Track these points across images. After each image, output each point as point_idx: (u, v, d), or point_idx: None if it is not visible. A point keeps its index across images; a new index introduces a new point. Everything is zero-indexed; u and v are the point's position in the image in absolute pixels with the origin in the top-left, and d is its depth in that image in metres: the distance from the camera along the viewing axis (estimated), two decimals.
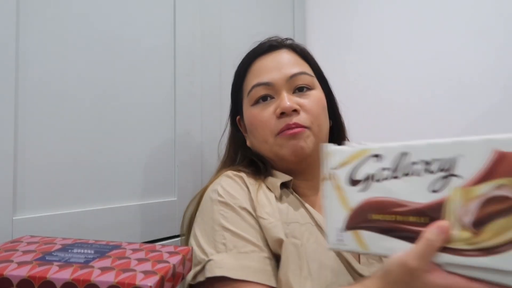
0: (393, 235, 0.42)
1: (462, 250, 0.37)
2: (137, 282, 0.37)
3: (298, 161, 0.66)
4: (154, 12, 0.84)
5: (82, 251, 0.46)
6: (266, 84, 0.67)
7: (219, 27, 1.01)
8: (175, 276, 0.44)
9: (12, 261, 0.41)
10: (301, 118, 0.65)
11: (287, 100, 0.64)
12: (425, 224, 0.39)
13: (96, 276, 0.38)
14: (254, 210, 0.61)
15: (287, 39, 0.74)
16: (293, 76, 0.66)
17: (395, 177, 0.43)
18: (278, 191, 0.65)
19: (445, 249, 0.38)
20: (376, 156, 0.44)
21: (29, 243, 0.49)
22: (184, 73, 0.90)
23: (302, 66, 0.69)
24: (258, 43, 0.73)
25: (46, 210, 0.65)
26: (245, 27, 1.11)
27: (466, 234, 0.37)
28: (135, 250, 0.48)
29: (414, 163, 0.41)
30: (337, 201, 0.47)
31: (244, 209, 0.61)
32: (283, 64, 0.68)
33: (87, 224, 0.70)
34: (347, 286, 0.50)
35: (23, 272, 0.38)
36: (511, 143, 0.36)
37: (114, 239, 0.59)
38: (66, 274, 0.38)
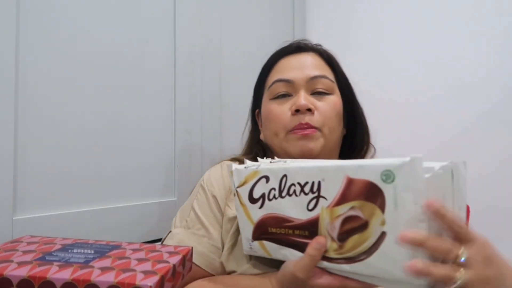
0: (286, 245, 0.50)
1: (333, 258, 0.45)
2: (137, 282, 0.37)
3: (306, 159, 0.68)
4: (154, 13, 0.84)
5: (82, 251, 0.46)
6: (287, 81, 0.69)
7: (219, 27, 1.01)
8: (175, 276, 0.44)
9: (12, 261, 0.41)
10: (314, 118, 0.66)
11: (303, 98, 0.66)
12: (306, 237, 0.47)
13: (96, 276, 0.38)
14: (226, 198, 0.67)
15: (316, 44, 0.76)
16: (314, 78, 0.68)
17: (281, 197, 0.49)
18: None
19: (322, 257, 0.45)
20: (265, 177, 0.51)
21: (29, 243, 0.49)
22: (184, 73, 0.90)
23: (324, 70, 0.71)
24: (286, 43, 0.76)
25: (46, 210, 0.65)
26: (245, 27, 1.11)
27: (334, 246, 0.44)
28: (135, 250, 0.48)
29: (292, 184, 0.48)
30: (244, 216, 0.54)
31: (214, 197, 0.67)
32: (306, 66, 0.70)
33: (87, 224, 0.70)
34: (255, 274, 0.58)
35: (23, 272, 0.38)
36: (356, 170, 0.42)
37: (114, 239, 0.59)
38: (66, 274, 0.38)
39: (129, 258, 0.45)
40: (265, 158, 0.61)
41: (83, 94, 0.71)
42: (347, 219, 0.43)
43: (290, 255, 0.49)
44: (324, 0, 1.41)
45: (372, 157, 0.77)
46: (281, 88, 0.69)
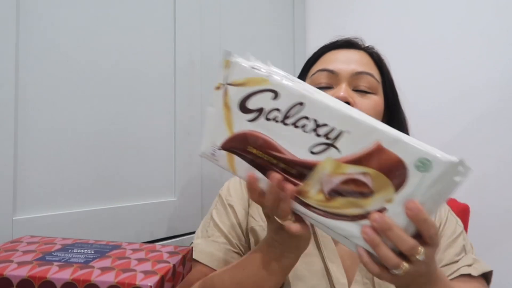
0: (261, 170, 0.45)
1: (311, 207, 0.43)
2: (137, 282, 0.37)
3: None
4: (154, 12, 0.84)
5: (82, 251, 0.46)
6: (330, 72, 0.65)
7: (219, 27, 1.01)
8: (175, 276, 0.44)
9: (12, 261, 0.41)
10: None
11: (343, 90, 0.62)
12: (290, 174, 0.43)
13: (96, 276, 0.38)
14: (247, 208, 0.67)
15: (369, 46, 0.73)
16: (359, 73, 0.64)
17: (284, 123, 0.43)
18: None
19: (301, 202, 0.44)
20: (274, 92, 0.43)
21: (29, 243, 0.49)
22: (184, 73, 0.90)
23: (371, 69, 0.67)
24: (339, 37, 0.73)
25: (46, 210, 0.65)
26: (245, 27, 1.11)
27: (319, 197, 0.42)
28: (135, 250, 0.48)
29: (306, 117, 0.42)
30: (222, 118, 0.46)
31: (231, 206, 0.67)
32: (353, 60, 0.66)
33: (87, 224, 0.70)
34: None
35: (23, 272, 0.38)
36: (393, 143, 0.39)
37: (114, 239, 0.59)
38: (66, 274, 0.38)
39: (129, 258, 0.45)
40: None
41: (83, 95, 0.71)
42: (351, 181, 0.41)
43: (260, 178, 0.45)
44: (324, 0, 1.41)
45: None
46: (323, 79, 0.66)
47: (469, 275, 0.60)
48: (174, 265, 0.43)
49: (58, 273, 0.38)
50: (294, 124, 0.42)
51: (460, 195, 0.99)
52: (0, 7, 0.59)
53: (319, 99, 0.42)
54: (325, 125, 0.41)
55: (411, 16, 1.23)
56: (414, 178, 0.38)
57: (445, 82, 1.16)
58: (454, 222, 0.68)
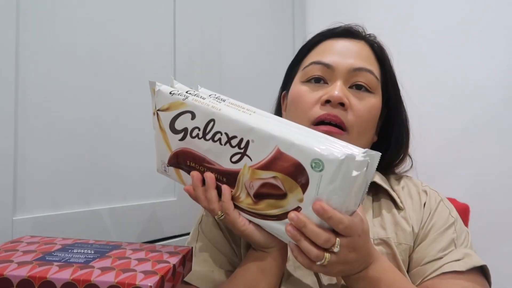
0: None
1: (245, 210, 0.48)
2: (137, 282, 0.37)
3: None
4: (154, 11, 0.84)
5: (82, 251, 0.46)
6: (326, 65, 0.59)
7: (219, 27, 1.01)
8: (175, 276, 0.44)
9: (12, 261, 0.41)
10: (345, 115, 0.57)
11: (338, 89, 0.57)
12: (223, 182, 0.48)
13: (96, 276, 0.38)
14: None
15: (370, 34, 0.67)
16: (357, 69, 0.59)
17: (205, 139, 0.48)
18: None
19: (237, 207, 0.48)
20: (191, 113, 0.48)
21: (29, 243, 0.49)
22: (184, 73, 0.90)
23: (371, 64, 0.61)
24: (338, 24, 0.66)
25: (46, 210, 0.65)
26: (245, 27, 1.11)
27: (248, 200, 0.47)
28: (135, 250, 0.48)
29: (219, 132, 0.47)
30: (162, 140, 0.52)
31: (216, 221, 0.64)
32: (351, 53, 0.60)
33: (87, 224, 0.70)
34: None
35: (23, 272, 0.38)
36: (289, 147, 0.42)
37: (114, 239, 0.59)
38: (66, 274, 0.38)
39: (129, 258, 0.45)
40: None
41: (84, 95, 0.71)
42: (266, 184, 0.44)
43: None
44: (324, 0, 1.41)
45: (406, 172, 0.69)
46: (316, 71, 0.60)
47: (454, 272, 0.53)
48: (174, 265, 0.43)
49: (58, 273, 0.38)
50: (212, 139, 0.47)
51: (460, 195, 0.99)
52: (0, 7, 0.59)
53: (226, 114, 0.46)
54: (234, 137, 0.46)
55: (412, 17, 1.23)
56: (313, 178, 0.41)
57: (445, 81, 1.16)
58: (447, 212, 0.61)
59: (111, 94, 0.75)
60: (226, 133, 0.46)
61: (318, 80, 0.60)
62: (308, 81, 0.62)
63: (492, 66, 1.09)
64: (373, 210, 0.62)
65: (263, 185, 0.45)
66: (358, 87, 0.59)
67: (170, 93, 0.50)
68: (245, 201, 0.47)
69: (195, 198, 0.51)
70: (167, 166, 0.53)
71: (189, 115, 0.48)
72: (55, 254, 0.44)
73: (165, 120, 0.50)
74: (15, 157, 0.61)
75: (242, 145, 0.45)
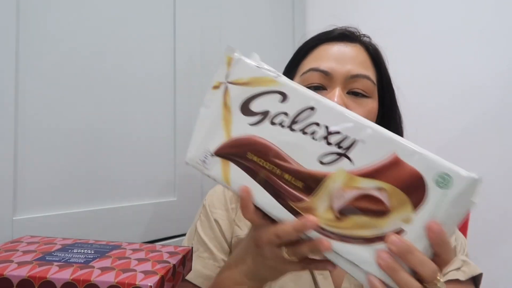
0: (259, 182, 0.39)
1: (319, 228, 0.37)
2: (137, 282, 0.37)
3: None
4: (154, 12, 0.84)
5: (82, 251, 0.46)
6: (324, 73, 0.60)
7: (219, 26, 1.01)
8: (175, 276, 0.44)
9: (12, 261, 0.41)
10: None
11: (338, 98, 0.57)
12: (297, 188, 0.38)
13: (96, 276, 0.38)
14: (233, 217, 0.64)
15: (364, 35, 0.67)
16: (355, 76, 0.59)
17: (291, 128, 0.39)
18: None
19: None
20: (282, 94, 0.39)
21: (29, 243, 0.49)
22: (184, 72, 0.90)
23: (368, 69, 0.62)
24: (333, 27, 0.67)
25: (46, 210, 0.65)
26: (245, 27, 1.11)
27: (329, 215, 0.37)
28: (135, 250, 0.48)
29: (316, 124, 0.38)
30: (219, 120, 0.41)
31: (216, 221, 0.64)
32: (349, 59, 0.61)
33: (87, 224, 0.70)
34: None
35: (23, 272, 0.38)
36: (411, 155, 0.36)
37: (114, 239, 0.59)
38: (66, 274, 0.38)
39: (129, 258, 0.45)
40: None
41: (83, 95, 0.71)
42: (365, 197, 0.36)
43: (260, 196, 0.39)
44: (324, 0, 1.41)
45: None
46: (315, 79, 0.60)
47: (457, 280, 0.56)
48: (174, 265, 0.43)
49: (58, 273, 0.38)
50: (303, 130, 0.38)
51: None
52: (0, 7, 0.59)
53: (332, 105, 0.38)
54: (337, 132, 0.37)
55: (413, 17, 1.23)
56: (434, 195, 0.35)
57: (445, 81, 1.16)
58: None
59: (111, 94, 0.75)
60: (326, 126, 0.38)
61: (317, 88, 0.61)
62: (306, 88, 0.62)
63: (492, 66, 1.09)
64: None
65: (360, 197, 0.36)
66: (355, 93, 0.60)
67: (257, 66, 0.40)
68: (324, 215, 0.37)
69: (251, 217, 0.40)
70: (212, 155, 0.41)
71: (277, 97, 0.39)
72: (55, 254, 0.44)
73: (238, 96, 0.40)
74: (15, 157, 0.61)
75: (346, 144, 0.37)
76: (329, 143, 0.37)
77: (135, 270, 0.40)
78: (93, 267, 0.40)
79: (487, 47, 1.10)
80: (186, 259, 0.49)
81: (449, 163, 0.35)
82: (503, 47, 1.08)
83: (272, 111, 0.39)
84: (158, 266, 0.42)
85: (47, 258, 0.43)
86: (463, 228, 0.97)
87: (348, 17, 1.36)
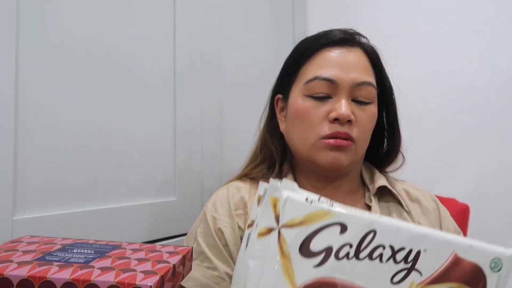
0: None
1: None
2: (137, 282, 0.37)
3: (331, 170, 0.64)
4: (154, 11, 0.84)
5: (82, 251, 0.46)
6: (330, 81, 0.61)
7: (219, 27, 1.01)
8: (175, 276, 0.44)
9: (12, 261, 0.41)
10: (352, 130, 0.61)
11: (346, 107, 0.60)
12: None
13: (96, 276, 0.38)
14: (238, 227, 0.62)
15: (360, 34, 0.68)
16: (360, 84, 0.61)
17: (358, 258, 0.37)
18: None
19: None
20: (341, 225, 0.37)
21: (29, 243, 0.49)
22: (184, 73, 0.90)
23: (370, 75, 0.64)
24: (327, 30, 0.67)
25: (46, 210, 0.65)
26: (245, 27, 1.11)
27: None
28: (135, 250, 0.48)
29: (381, 246, 0.37)
30: (279, 272, 0.37)
31: (219, 229, 0.62)
32: (353, 66, 0.62)
33: (87, 224, 0.70)
34: None
35: (23, 272, 0.38)
36: (466, 250, 0.38)
37: (114, 239, 0.59)
38: (66, 274, 0.38)
39: (129, 258, 0.45)
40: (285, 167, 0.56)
41: (83, 94, 0.71)
42: None
43: None
44: (324, 0, 1.41)
45: (400, 167, 0.72)
46: (321, 88, 0.62)
47: None
48: (174, 265, 0.43)
49: (58, 273, 0.38)
50: (370, 256, 0.37)
51: (460, 195, 0.99)
52: (0, 7, 0.59)
53: (389, 222, 0.38)
54: (402, 249, 0.37)
55: (412, 17, 1.23)
56: (491, 280, 0.38)
57: (445, 81, 1.16)
58: (453, 223, 0.67)
59: (111, 94, 0.75)
60: (391, 246, 0.37)
61: (323, 97, 0.62)
62: (312, 96, 0.63)
63: (492, 66, 1.09)
64: (382, 213, 0.64)
65: None
66: (360, 99, 0.62)
67: (307, 200, 0.38)
68: None
69: None
70: None
71: (337, 229, 0.37)
72: (55, 254, 0.44)
73: (295, 239, 0.37)
74: (15, 157, 0.61)
75: (410, 257, 0.37)
76: (396, 262, 0.37)
77: (135, 270, 0.40)
78: (93, 267, 0.40)
79: (487, 47, 1.10)
80: (186, 259, 0.49)
81: (496, 246, 0.38)
82: (503, 47, 1.08)
83: (335, 246, 0.37)
84: (158, 266, 0.42)
85: (47, 258, 0.43)
86: (463, 228, 0.97)
87: (348, 17, 1.36)
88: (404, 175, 0.74)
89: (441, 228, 0.65)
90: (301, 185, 0.65)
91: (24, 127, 0.62)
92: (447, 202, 1.02)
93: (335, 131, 0.60)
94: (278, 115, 0.71)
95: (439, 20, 1.18)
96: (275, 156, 0.69)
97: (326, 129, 0.60)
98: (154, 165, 0.84)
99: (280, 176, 0.67)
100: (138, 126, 0.80)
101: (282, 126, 0.69)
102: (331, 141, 0.60)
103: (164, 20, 0.87)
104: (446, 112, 1.16)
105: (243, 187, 0.67)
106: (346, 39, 0.65)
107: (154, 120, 0.84)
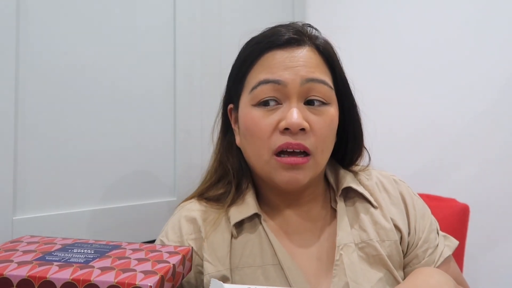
0: None
1: None
2: (137, 282, 0.37)
3: (290, 189, 0.58)
4: (154, 12, 0.84)
5: (82, 251, 0.46)
6: (276, 83, 0.54)
7: (219, 26, 1.01)
8: (175, 276, 0.44)
9: (12, 261, 0.41)
10: (307, 139, 0.54)
11: (296, 115, 0.52)
12: None
13: (96, 276, 0.38)
14: (201, 253, 0.58)
15: (309, 26, 0.61)
16: (310, 80, 0.54)
17: None
18: (233, 230, 0.57)
19: None
20: None
21: (29, 243, 0.49)
22: (184, 72, 0.90)
23: (323, 73, 0.57)
24: (273, 28, 0.60)
25: (46, 210, 0.65)
26: (245, 27, 1.11)
27: None
28: (135, 250, 0.48)
29: None
30: None
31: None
32: (300, 64, 0.55)
33: (87, 224, 0.70)
34: None
35: (23, 272, 0.38)
36: None
37: (114, 239, 0.59)
38: (66, 274, 0.38)
39: (129, 258, 0.45)
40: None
41: (83, 94, 0.71)
42: None
43: None
44: (324, 5, 1.41)
45: (366, 163, 0.67)
46: (268, 92, 0.55)
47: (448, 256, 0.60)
48: (174, 265, 0.43)
49: (58, 273, 0.38)
50: None
51: (460, 195, 0.99)
52: (0, 7, 0.59)
53: None
54: None
55: (412, 15, 1.23)
56: None
57: (444, 81, 1.16)
58: (421, 202, 0.64)
59: (110, 94, 0.75)
60: None
61: (270, 102, 0.55)
62: (259, 104, 0.56)
63: (491, 66, 1.09)
64: (348, 215, 0.60)
65: None
66: (313, 102, 0.56)
67: None
68: None
69: None
70: None
71: None
72: (55, 254, 0.44)
73: None
74: (15, 157, 0.61)
75: None
76: None
77: (135, 270, 0.40)
78: (93, 267, 0.40)
79: (487, 47, 1.10)
80: (186, 259, 0.49)
81: None
82: (503, 47, 1.08)
83: None
84: (158, 266, 0.42)
85: (47, 258, 0.43)
86: (463, 228, 0.97)
87: (348, 16, 1.36)
88: (404, 175, 0.74)
89: (408, 217, 0.62)
90: (265, 198, 0.62)
91: (24, 127, 0.62)
92: (447, 202, 1.02)
93: (286, 142, 0.53)
94: (233, 126, 0.64)
95: (439, 19, 1.18)
96: (231, 176, 0.62)
97: (277, 141, 0.54)
98: (154, 165, 0.84)
99: (237, 195, 0.61)
100: (138, 126, 0.80)
101: (238, 140, 0.62)
102: (284, 159, 0.53)
103: (164, 20, 0.87)
104: (447, 112, 1.16)
105: (197, 210, 0.62)
106: (293, 39, 0.57)
107: (154, 120, 0.84)
